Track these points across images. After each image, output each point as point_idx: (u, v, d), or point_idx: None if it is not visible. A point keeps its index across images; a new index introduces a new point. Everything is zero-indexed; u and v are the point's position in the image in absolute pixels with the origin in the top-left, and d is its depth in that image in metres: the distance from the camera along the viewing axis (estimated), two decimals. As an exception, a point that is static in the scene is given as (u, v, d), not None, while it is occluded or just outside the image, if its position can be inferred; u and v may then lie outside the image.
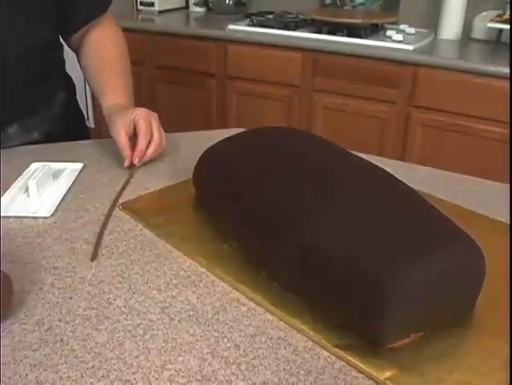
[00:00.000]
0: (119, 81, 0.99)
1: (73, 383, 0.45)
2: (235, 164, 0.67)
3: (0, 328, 0.51)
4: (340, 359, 0.49)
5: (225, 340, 0.51)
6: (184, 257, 0.63)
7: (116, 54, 1.02)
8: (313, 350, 0.50)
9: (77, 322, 0.52)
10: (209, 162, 0.72)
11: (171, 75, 2.33)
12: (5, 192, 0.75)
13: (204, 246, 0.64)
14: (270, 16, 2.27)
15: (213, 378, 0.46)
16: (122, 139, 0.83)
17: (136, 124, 0.84)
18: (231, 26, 2.15)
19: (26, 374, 0.46)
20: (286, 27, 2.09)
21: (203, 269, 0.61)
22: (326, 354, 0.50)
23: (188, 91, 2.31)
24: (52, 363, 0.47)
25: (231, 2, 2.52)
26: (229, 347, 0.50)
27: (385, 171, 0.62)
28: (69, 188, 0.78)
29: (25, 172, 0.80)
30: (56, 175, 0.81)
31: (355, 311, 0.50)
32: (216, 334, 0.51)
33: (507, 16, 1.94)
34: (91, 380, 0.46)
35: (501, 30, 2.01)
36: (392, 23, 2.16)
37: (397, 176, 0.61)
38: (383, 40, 1.95)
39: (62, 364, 0.47)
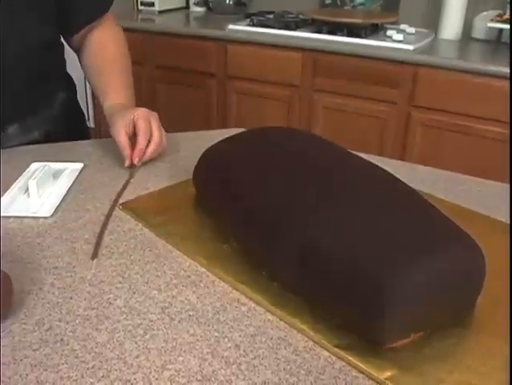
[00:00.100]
0: (120, 81, 0.99)
1: (73, 383, 0.45)
2: (235, 164, 0.67)
3: (0, 328, 0.51)
4: (340, 359, 0.49)
5: (226, 340, 0.51)
6: (185, 257, 0.63)
7: (117, 54, 1.02)
8: (313, 350, 0.50)
9: (77, 321, 0.52)
10: (209, 162, 0.72)
11: (171, 75, 2.33)
12: (5, 192, 0.75)
13: (204, 246, 0.64)
14: (271, 16, 2.27)
15: (213, 378, 0.46)
16: (122, 138, 0.83)
17: (135, 124, 0.84)
18: (231, 26, 2.15)
19: (27, 374, 0.46)
20: (286, 27, 2.09)
21: (203, 269, 0.61)
22: (326, 354, 0.50)
23: (188, 91, 2.32)
24: (52, 363, 0.47)
25: (231, 2, 2.52)
26: (230, 347, 0.50)
27: (385, 171, 0.62)
28: (69, 188, 0.78)
29: (25, 172, 0.80)
30: (56, 175, 0.81)
31: (355, 311, 0.50)
32: (216, 334, 0.51)
33: (507, 16, 1.94)
34: (92, 380, 0.46)
35: (501, 30, 2.01)
36: (392, 23, 2.16)
37: (397, 175, 0.61)
38: (383, 40, 1.95)
39: (62, 364, 0.47)
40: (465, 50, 1.99)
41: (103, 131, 0.90)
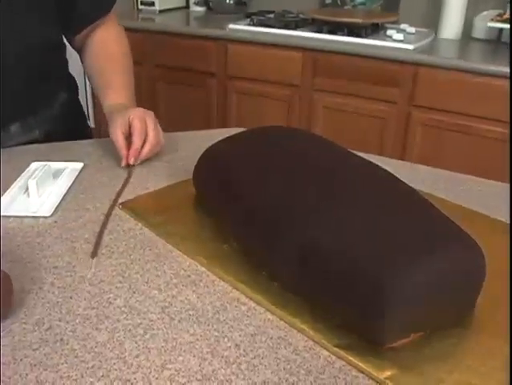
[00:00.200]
0: (121, 81, 0.99)
1: (73, 383, 0.45)
2: (235, 163, 0.67)
3: (0, 327, 0.51)
4: (340, 359, 0.49)
5: (226, 339, 0.51)
6: (185, 257, 0.63)
7: (119, 54, 1.02)
8: (313, 350, 0.50)
9: (77, 321, 0.52)
10: (209, 162, 0.72)
11: (171, 75, 2.33)
12: (5, 191, 0.75)
13: (204, 246, 0.64)
14: (271, 15, 2.26)
15: (213, 378, 0.46)
16: (118, 139, 0.84)
17: (130, 124, 0.84)
18: (231, 26, 2.15)
19: (26, 374, 0.46)
20: (286, 27, 2.09)
21: (203, 269, 0.61)
22: (326, 353, 0.50)
23: (188, 91, 2.31)
24: (52, 363, 0.47)
25: (231, 2, 2.52)
26: (230, 347, 0.50)
27: (386, 170, 0.62)
28: (69, 187, 0.78)
29: (25, 171, 0.80)
30: (56, 174, 0.81)
31: (355, 311, 0.50)
32: (216, 334, 0.51)
33: (507, 15, 1.94)
34: (91, 380, 0.46)
35: (501, 30, 2.01)
36: (393, 23, 2.16)
37: (398, 175, 0.61)
38: (383, 40, 1.95)
39: (62, 364, 0.47)
40: (465, 49, 1.99)
41: (103, 130, 0.90)
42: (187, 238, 0.66)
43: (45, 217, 0.70)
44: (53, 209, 0.71)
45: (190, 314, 0.54)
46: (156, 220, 0.69)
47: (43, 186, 0.76)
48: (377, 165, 0.63)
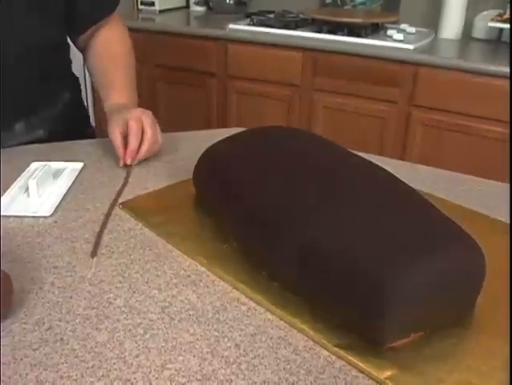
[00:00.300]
0: (123, 81, 0.99)
1: (73, 383, 0.45)
2: (235, 163, 0.67)
3: (0, 327, 0.51)
4: (340, 359, 0.49)
5: (226, 339, 0.51)
6: (185, 257, 0.63)
7: (122, 54, 1.03)
8: (313, 350, 0.50)
9: (77, 321, 0.52)
10: (209, 162, 0.72)
11: (171, 75, 2.33)
12: (5, 191, 0.75)
13: (204, 246, 0.64)
14: (271, 15, 2.26)
15: (213, 378, 0.46)
16: (116, 139, 0.84)
17: (127, 124, 0.84)
18: (231, 26, 2.15)
19: (27, 374, 0.46)
20: (286, 27, 2.09)
21: (203, 269, 0.61)
22: (326, 353, 0.50)
23: (188, 91, 2.31)
24: (52, 363, 0.47)
25: (232, 2, 2.52)
26: (230, 347, 0.50)
27: (386, 170, 0.62)
28: (69, 187, 0.78)
29: (25, 171, 0.80)
30: (56, 174, 0.81)
31: (355, 311, 0.50)
32: (216, 334, 0.51)
33: (507, 15, 1.93)
34: (92, 379, 0.46)
35: (501, 30, 2.01)
36: (393, 23, 2.16)
37: (398, 175, 0.61)
38: (383, 39, 1.94)
39: (62, 363, 0.47)
40: (465, 49, 1.99)
41: (103, 130, 0.90)
42: (187, 238, 0.66)
43: (45, 217, 0.70)
44: (53, 209, 0.71)
45: (190, 314, 0.54)
46: (156, 220, 0.69)
47: (43, 186, 0.76)
48: (377, 165, 0.63)
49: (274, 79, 2.10)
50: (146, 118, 0.85)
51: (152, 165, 0.87)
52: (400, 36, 1.93)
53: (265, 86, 2.13)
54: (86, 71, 1.18)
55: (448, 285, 0.49)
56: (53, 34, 0.94)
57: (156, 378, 0.46)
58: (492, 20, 1.94)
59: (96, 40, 1.02)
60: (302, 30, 2.06)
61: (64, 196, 0.76)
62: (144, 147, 0.84)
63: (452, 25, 2.04)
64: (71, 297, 0.55)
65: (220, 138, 0.74)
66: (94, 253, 0.63)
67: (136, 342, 0.50)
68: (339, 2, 2.38)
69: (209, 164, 0.71)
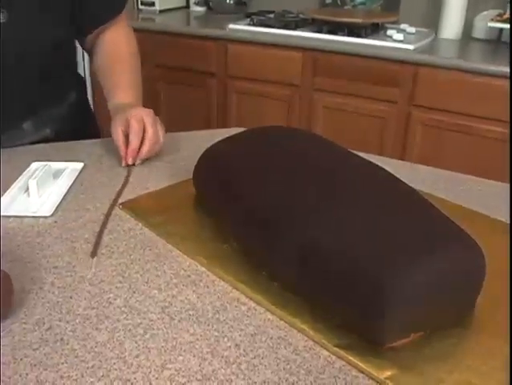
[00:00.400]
0: (129, 81, 1.00)
1: (73, 383, 0.45)
2: (235, 163, 0.67)
3: (0, 327, 0.51)
4: (340, 359, 0.49)
5: (226, 339, 0.51)
6: (185, 257, 0.63)
7: (128, 54, 1.03)
8: (313, 350, 0.50)
9: (77, 321, 0.52)
10: (209, 162, 0.72)
11: (171, 75, 2.33)
12: (5, 192, 0.75)
13: (204, 246, 0.64)
14: (271, 15, 2.26)
15: (213, 378, 0.46)
16: (118, 138, 0.84)
17: (128, 124, 0.84)
18: (231, 26, 2.15)
19: (27, 374, 0.46)
20: (286, 27, 2.09)
21: (203, 269, 0.61)
22: (326, 353, 0.50)
23: (188, 91, 2.31)
24: (52, 363, 0.47)
25: (232, 2, 2.52)
26: (230, 347, 0.50)
27: (386, 170, 0.62)
28: (69, 187, 0.78)
29: (25, 171, 0.80)
30: (56, 174, 0.81)
31: (355, 311, 0.50)
32: (216, 334, 0.51)
33: (507, 15, 1.93)
34: (92, 379, 0.46)
35: (501, 30, 2.01)
36: (393, 23, 2.16)
37: (398, 175, 0.61)
38: (383, 39, 1.94)
39: (62, 363, 0.47)
40: (465, 49, 1.99)
41: (104, 130, 0.90)
42: (187, 238, 0.66)
43: (45, 217, 0.70)
44: (53, 209, 0.71)
45: (190, 314, 0.54)
46: (156, 220, 0.69)
47: (43, 186, 0.76)
48: (377, 165, 0.63)
49: (274, 78, 2.10)
50: (147, 117, 0.85)
51: (154, 165, 0.87)
52: (400, 36, 1.93)
53: (265, 86, 2.13)
54: (87, 73, 1.18)
55: (448, 285, 0.49)
56: (59, 33, 0.94)
57: (156, 378, 0.46)
58: (492, 20, 1.94)
59: (103, 40, 1.02)
60: (302, 30, 2.06)
61: (64, 196, 0.76)
62: (145, 147, 0.84)
63: (452, 25, 2.04)
64: (71, 297, 0.55)
65: (220, 138, 0.74)
66: (94, 253, 0.63)
67: (136, 342, 0.50)
68: (339, 1, 2.38)
69: (209, 163, 0.71)
